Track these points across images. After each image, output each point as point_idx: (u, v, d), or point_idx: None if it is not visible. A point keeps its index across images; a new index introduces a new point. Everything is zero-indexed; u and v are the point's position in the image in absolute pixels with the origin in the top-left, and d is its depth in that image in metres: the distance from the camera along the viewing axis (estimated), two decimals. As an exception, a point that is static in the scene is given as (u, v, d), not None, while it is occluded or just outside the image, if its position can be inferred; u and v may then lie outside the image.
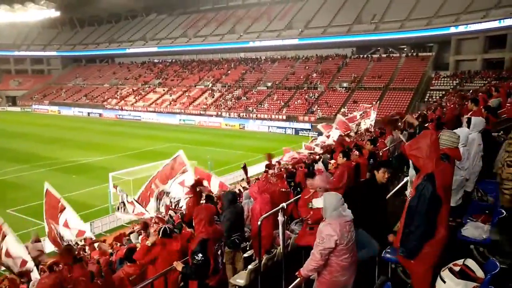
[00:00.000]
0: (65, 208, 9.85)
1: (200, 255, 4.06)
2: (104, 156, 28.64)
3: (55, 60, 77.83)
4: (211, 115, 47.50)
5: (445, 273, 3.12)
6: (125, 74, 67.43)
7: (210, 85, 55.14)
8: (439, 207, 3.33)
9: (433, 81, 40.53)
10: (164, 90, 57.42)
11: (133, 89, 60.17)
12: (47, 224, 9.97)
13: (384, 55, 47.89)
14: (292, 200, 6.94)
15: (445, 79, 40.00)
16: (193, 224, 4.56)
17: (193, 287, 4.33)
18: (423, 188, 3.32)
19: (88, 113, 57.56)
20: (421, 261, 3.41)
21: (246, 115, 45.07)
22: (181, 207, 10.30)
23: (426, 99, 37.64)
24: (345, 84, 44.90)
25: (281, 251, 5.93)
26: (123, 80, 65.05)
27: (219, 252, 4.49)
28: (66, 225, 9.67)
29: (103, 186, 19.01)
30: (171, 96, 55.07)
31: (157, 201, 10.56)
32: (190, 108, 50.42)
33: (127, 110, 54.96)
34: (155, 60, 69.12)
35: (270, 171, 8.81)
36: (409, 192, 3.62)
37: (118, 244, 9.32)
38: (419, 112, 17.51)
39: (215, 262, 4.29)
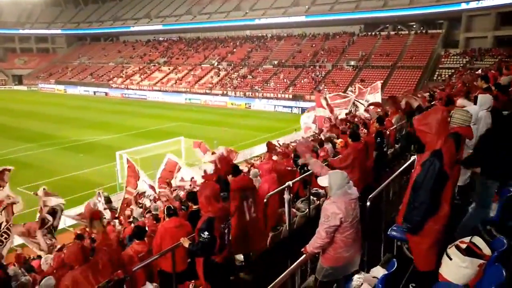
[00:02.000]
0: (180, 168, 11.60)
1: (206, 233, 4.10)
2: (111, 135, 28.80)
3: (59, 39, 77.44)
4: (217, 94, 47.27)
5: (451, 250, 3.13)
6: (130, 53, 66.97)
7: (216, 63, 54.65)
8: (444, 183, 3.31)
9: (443, 59, 39.76)
10: (169, 68, 57.07)
11: (138, 68, 59.88)
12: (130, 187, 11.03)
13: (392, 33, 46.92)
14: (298, 178, 6.97)
15: (455, 57, 39.20)
16: (198, 203, 4.60)
17: (199, 263, 4.41)
18: (431, 164, 3.29)
19: (94, 92, 57.58)
20: (424, 237, 3.42)
21: (252, 94, 44.80)
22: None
23: (435, 78, 37.03)
24: (352, 63, 44.23)
25: (287, 228, 6.00)
26: (128, 59, 64.68)
27: (226, 230, 4.54)
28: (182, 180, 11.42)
29: (111, 165, 19.19)
30: (176, 74, 54.78)
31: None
32: (196, 87, 50.18)
33: (132, 89, 54.88)
34: (160, 38, 68.43)
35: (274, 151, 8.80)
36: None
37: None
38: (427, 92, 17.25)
39: (221, 240, 4.34)
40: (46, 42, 77.39)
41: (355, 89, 18.61)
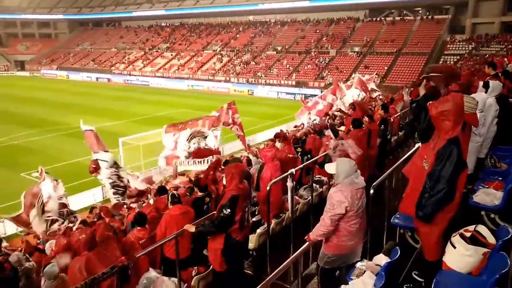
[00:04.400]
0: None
1: (228, 210, 4.19)
2: (114, 122, 28.77)
3: (62, 24, 76.88)
4: (220, 81, 47.00)
5: (455, 238, 3.11)
6: (132, 38, 66.47)
7: (219, 49, 54.19)
8: (462, 171, 3.27)
9: (448, 45, 39.21)
10: (172, 54, 56.69)
11: (142, 54, 59.52)
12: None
13: (398, 18, 46.21)
14: (301, 166, 6.95)
15: (461, 43, 38.63)
16: (224, 182, 4.66)
17: (219, 241, 4.41)
18: (451, 151, 3.23)
19: (97, 78, 57.37)
20: (435, 225, 3.39)
21: (255, 81, 44.52)
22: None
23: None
24: (356, 49, 43.71)
25: (290, 215, 6.00)
26: (130, 45, 64.22)
27: (246, 209, 4.61)
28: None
29: (113, 151, 19.17)
30: (179, 61, 54.41)
31: (189, 139, 10.23)
32: (199, 74, 49.88)
33: (135, 75, 54.63)
34: (162, 24, 67.78)
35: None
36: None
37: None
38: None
39: (242, 218, 4.41)
40: (48, 28, 76.86)
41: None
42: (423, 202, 3.36)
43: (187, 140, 9.81)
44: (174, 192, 5.15)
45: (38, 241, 7.58)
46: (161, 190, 6.80)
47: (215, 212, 4.56)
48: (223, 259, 4.45)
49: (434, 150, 3.35)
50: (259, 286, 2.99)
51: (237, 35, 56.40)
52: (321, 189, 7.36)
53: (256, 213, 6.77)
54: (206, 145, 9.99)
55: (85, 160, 19.64)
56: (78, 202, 13.02)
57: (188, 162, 9.87)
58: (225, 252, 4.41)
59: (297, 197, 6.78)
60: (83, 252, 3.71)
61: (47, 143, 23.36)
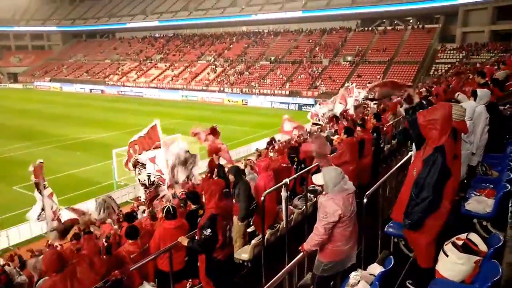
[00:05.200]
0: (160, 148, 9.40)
1: (209, 230, 4.12)
2: (108, 133, 28.68)
3: (55, 36, 76.90)
4: (214, 91, 47.14)
5: (448, 247, 3.13)
6: (126, 50, 66.62)
7: (212, 59, 54.46)
8: (447, 179, 3.30)
9: (439, 54, 39.77)
10: (165, 65, 56.84)
11: (136, 64, 59.60)
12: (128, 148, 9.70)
13: (389, 28, 46.87)
14: (295, 175, 6.96)
15: (451, 51, 39.22)
16: (203, 199, 4.60)
17: (201, 261, 4.40)
18: (435, 160, 3.28)
19: (90, 90, 57.28)
20: (424, 233, 3.41)
21: (248, 91, 44.70)
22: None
23: (431, 73, 37.05)
24: (349, 58, 44.17)
25: (284, 226, 5.99)
26: (124, 56, 64.35)
27: (227, 227, 4.55)
28: (153, 160, 9.39)
29: (107, 163, 19.12)
30: (173, 71, 54.56)
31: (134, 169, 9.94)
32: (193, 84, 50.02)
33: (129, 86, 54.64)
34: (156, 35, 68.11)
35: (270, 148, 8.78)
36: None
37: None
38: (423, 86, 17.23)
39: (223, 236, 4.36)
40: (42, 40, 76.83)
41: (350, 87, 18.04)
42: (409, 210, 3.40)
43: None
44: (170, 205, 5.10)
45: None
46: (130, 216, 6.76)
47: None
48: (208, 279, 4.41)
49: (422, 158, 3.40)
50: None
51: (231, 46, 56.77)
52: (315, 198, 7.36)
53: (251, 224, 6.76)
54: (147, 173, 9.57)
55: (78, 172, 19.58)
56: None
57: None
58: (208, 272, 4.37)
59: (291, 207, 6.77)
60: (51, 274, 3.55)
61: (41, 155, 23.11)
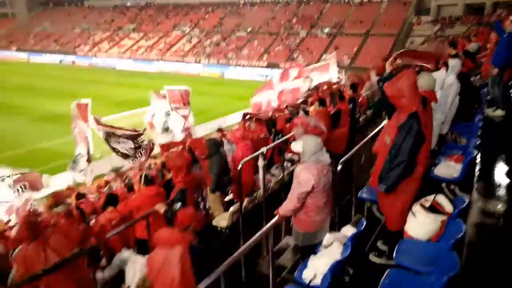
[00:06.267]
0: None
1: (179, 204, 4.15)
2: (80, 105, 27.81)
3: (20, 3, 72.36)
4: (190, 62, 46.10)
5: (416, 208, 3.29)
6: (96, 19, 63.65)
7: (188, 30, 52.94)
8: (422, 144, 3.41)
9: (415, 27, 40.08)
10: (139, 36, 54.87)
11: (107, 35, 57.26)
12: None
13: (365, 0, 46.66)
14: (271, 145, 7.04)
15: (427, 24, 39.58)
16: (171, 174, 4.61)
17: None
18: (410, 126, 3.36)
19: (60, 61, 54.75)
20: (399, 198, 3.55)
21: (225, 62, 43.99)
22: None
23: (407, 45, 37.37)
24: (326, 30, 43.90)
25: (262, 194, 6.10)
26: (94, 25, 61.54)
27: (199, 199, 4.59)
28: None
29: (81, 136, 18.64)
30: (147, 42, 52.80)
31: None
32: (168, 55, 48.68)
33: (101, 57, 52.64)
34: (128, 4, 65.22)
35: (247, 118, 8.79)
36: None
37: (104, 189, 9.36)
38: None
39: (196, 208, 4.39)
40: (5, 7, 72.13)
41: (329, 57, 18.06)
42: (384, 175, 3.51)
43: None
44: (147, 173, 5.10)
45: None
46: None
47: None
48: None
49: (396, 126, 3.48)
50: (230, 257, 3.06)
51: (206, 16, 55.19)
52: (292, 167, 7.49)
53: (229, 193, 6.84)
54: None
55: (50, 145, 19.02)
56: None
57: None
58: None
59: (268, 176, 6.88)
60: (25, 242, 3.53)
61: (9, 128, 22.35)
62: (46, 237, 3.51)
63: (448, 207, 3.27)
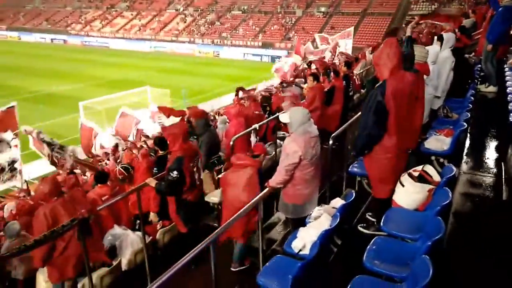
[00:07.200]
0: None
1: (175, 172, 4.14)
2: (72, 85, 27.51)
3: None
4: (184, 42, 45.45)
5: (404, 177, 3.31)
6: (88, -4, 62.27)
7: (182, 8, 51.96)
8: (384, 114, 3.32)
9: (412, 6, 39.59)
10: (132, 14, 53.81)
11: (100, 13, 56.08)
12: None
13: (363, -23, 45.80)
14: (265, 121, 7.02)
15: (424, 3, 39.09)
16: (168, 143, 4.59)
17: (172, 202, 4.46)
18: (372, 94, 3.36)
19: (52, 40, 53.82)
20: (372, 165, 3.61)
21: (220, 42, 43.40)
22: None
23: (404, 24, 36.96)
24: (322, 9, 43.25)
25: (254, 169, 6.10)
26: (86, 3, 60.21)
27: (195, 169, 4.59)
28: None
29: (73, 116, 18.52)
30: (140, 21, 51.83)
31: None
32: (161, 34, 47.91)
33: (93, 36, 51.71)
34: (120, -19, 63.65)
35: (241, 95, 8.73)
36: None
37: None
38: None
39: (191, 178, 4.40)
40: (-7, -16, 70.31)
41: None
42: (355, 141, 3.56)
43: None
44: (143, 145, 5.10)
45: None
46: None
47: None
48: (180, 220, 4.50)
49: None
50: (219, 228, 3.08)
51: (201, -6, 54.12)
52: (284, 144, 7.49)
53: (222, 170, 6.84)
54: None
55: (43, 125, 18.84)
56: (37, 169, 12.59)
57: None
58: (180, 213, 4.45)
59: (261, 154, 6.87)
60: (50, 200, 3.67)
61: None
62: (72, 195, 3.90)
63: (436, 176, 3.30)
